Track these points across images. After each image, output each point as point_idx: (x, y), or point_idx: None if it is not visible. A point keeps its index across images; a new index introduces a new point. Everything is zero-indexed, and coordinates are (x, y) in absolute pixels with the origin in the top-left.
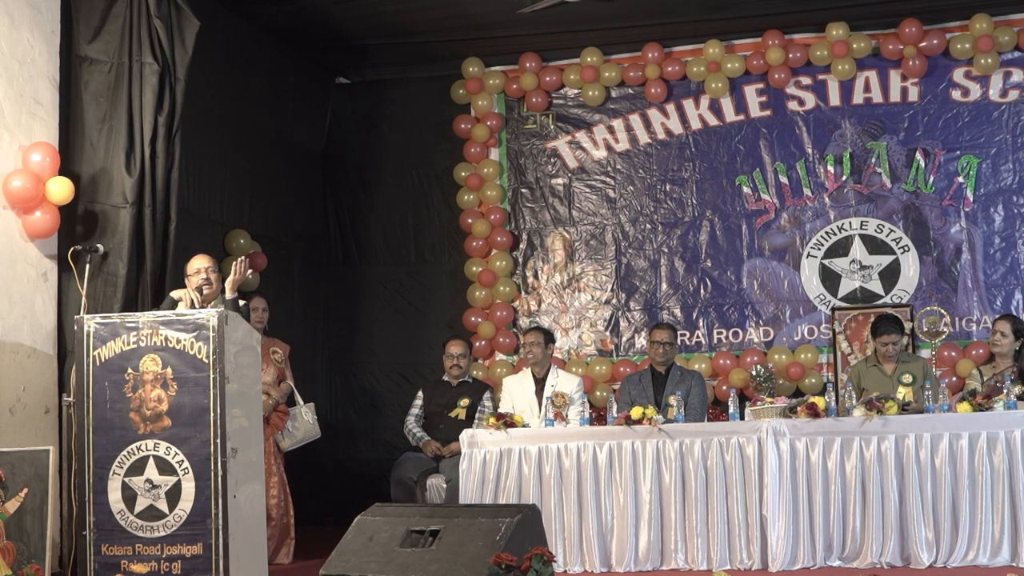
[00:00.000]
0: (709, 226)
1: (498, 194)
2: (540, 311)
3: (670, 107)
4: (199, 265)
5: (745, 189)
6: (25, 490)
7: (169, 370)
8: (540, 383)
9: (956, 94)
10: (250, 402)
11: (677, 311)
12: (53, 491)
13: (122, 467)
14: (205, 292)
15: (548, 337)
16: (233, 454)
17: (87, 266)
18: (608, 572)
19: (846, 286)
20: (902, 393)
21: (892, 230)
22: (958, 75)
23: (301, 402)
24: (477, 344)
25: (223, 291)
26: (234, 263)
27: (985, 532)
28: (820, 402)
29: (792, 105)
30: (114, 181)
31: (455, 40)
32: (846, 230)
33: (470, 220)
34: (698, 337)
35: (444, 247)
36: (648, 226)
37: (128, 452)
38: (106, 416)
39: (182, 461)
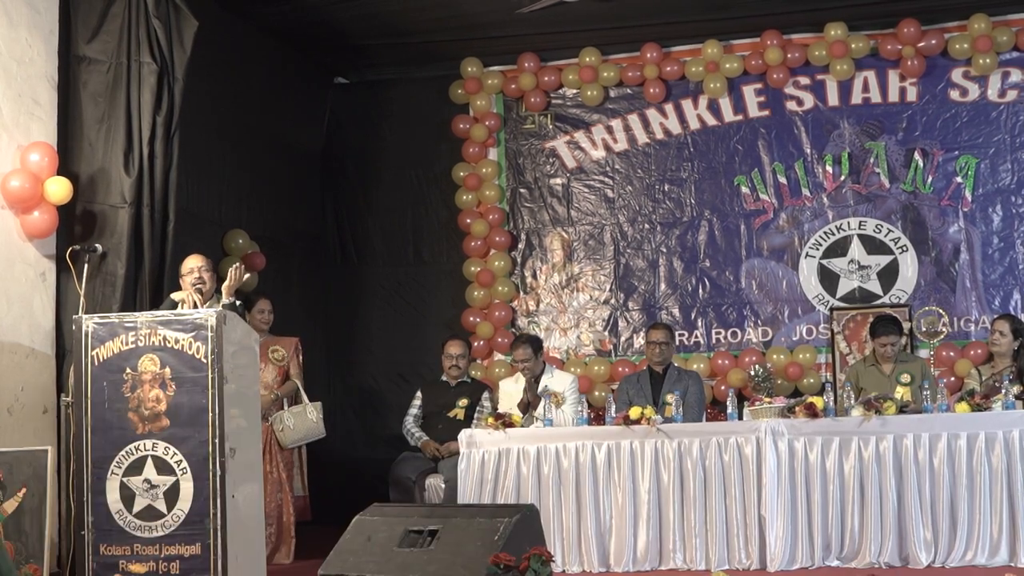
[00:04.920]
0: (708, 226)
1: (496, 194)
2: (538, 311)
3: (668, 107)
4: (192, 265)
5: (744, 189)
6: (23, 490)
7: (167, 370)
8: (535, 385)
9: (954, 94)
10: (248, 402)
11: (676, 311)
12: (51, 491)
13: (120, 467)
14: (204, 290)
15: (536, 345)
16: (231, 454)
17: (85, 266)
18: (606, 572)
19: (844, 286)
20: (900, 393)
21: (890, 230)
22: (956, 75)
23: (307, 400)
24: (476, 344)
25: (219, 292)
26: (230, 270)
27: (983, 532)
28: (818, 402)
29: (791, 105)
30: (112, 181)
31: (454, 40)
32: (844, 230)
33: (469, 220)
34: (696, 337)
35: (443, 247)
36: (647, 226)
37: (126, 452)
38: (104, 416)
39: (180, 461)
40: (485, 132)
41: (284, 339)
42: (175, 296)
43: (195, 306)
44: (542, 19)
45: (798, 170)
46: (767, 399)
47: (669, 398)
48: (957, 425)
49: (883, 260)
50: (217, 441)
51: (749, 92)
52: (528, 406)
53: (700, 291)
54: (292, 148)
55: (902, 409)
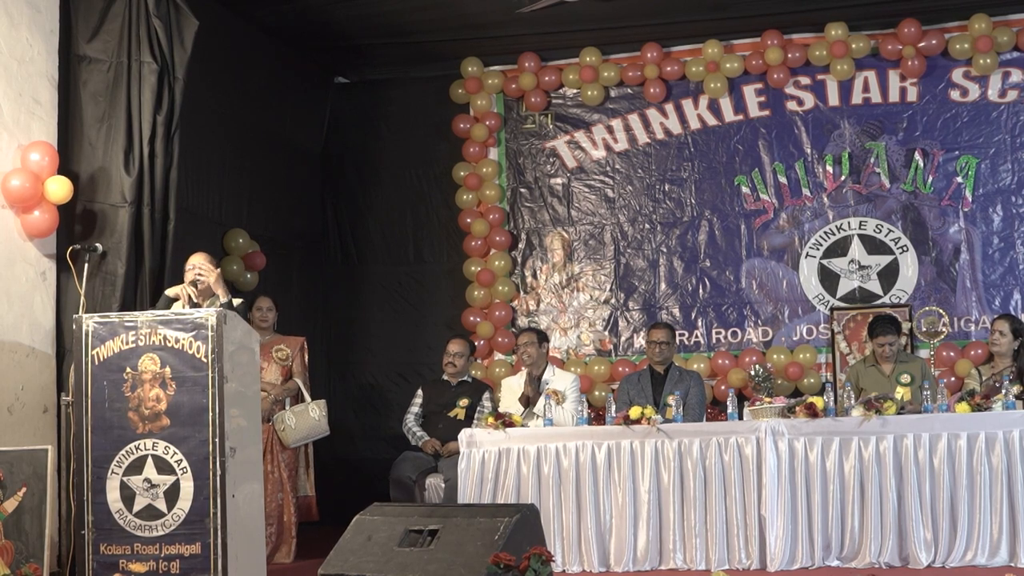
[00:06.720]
0: (708, 226)
1: (497, 194)
2: (539, 311)
3: (669, 107)
4: (194, 261)
5: (744, 189)
6: (24, 489)
7: (168, 369)
8: (537, 382)
9: (955, 94)
10: (248, 402)
11: (676, 311)
12: (52, 490)
13: (120, 466)
14: (200, 286)
15: (542, 337)
16: (232, 453)
17: (86, 265)
18: (607, 572)
19: (845, 286)
20: (900, 393)
21: (891, 230)
22: (957, 75)
23: (309, 398)
24: (476, 344)
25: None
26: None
27: (983, 532)
28: (819, 402)
29: (791, 105)
30: (113, 180)
31: (454, 40)
32: (845, 230)
33: (469, 220)
34: (697, 337)
35: (443, 247)
36: (647, 226)
37: (127, 451)
38: (104, 415)
39: (180, 460)
40: (485, 132)
41: (291, 338)
42: (169, 292)
43: (190, 300)
44: (542, 19)
45: (798, 170)
46: (767, 399)
47: (670, 400)
48: (957, 425)
49: (883, 260)
50: (217, 440)
51: (749, 92)
52: (528, 401)
53: (700, 291)
54: (292, 148)
55: (902, 409)
